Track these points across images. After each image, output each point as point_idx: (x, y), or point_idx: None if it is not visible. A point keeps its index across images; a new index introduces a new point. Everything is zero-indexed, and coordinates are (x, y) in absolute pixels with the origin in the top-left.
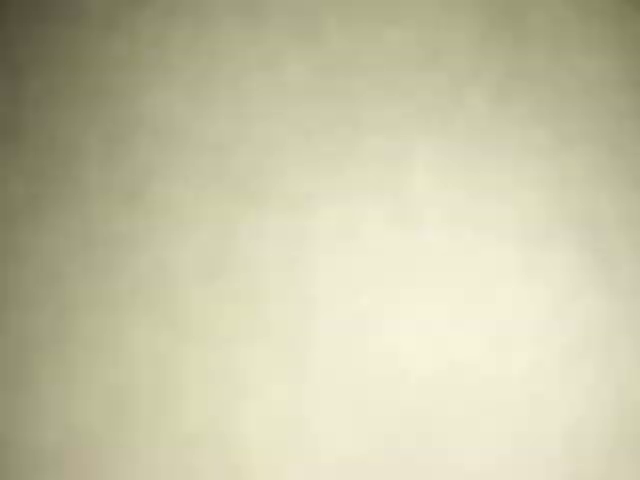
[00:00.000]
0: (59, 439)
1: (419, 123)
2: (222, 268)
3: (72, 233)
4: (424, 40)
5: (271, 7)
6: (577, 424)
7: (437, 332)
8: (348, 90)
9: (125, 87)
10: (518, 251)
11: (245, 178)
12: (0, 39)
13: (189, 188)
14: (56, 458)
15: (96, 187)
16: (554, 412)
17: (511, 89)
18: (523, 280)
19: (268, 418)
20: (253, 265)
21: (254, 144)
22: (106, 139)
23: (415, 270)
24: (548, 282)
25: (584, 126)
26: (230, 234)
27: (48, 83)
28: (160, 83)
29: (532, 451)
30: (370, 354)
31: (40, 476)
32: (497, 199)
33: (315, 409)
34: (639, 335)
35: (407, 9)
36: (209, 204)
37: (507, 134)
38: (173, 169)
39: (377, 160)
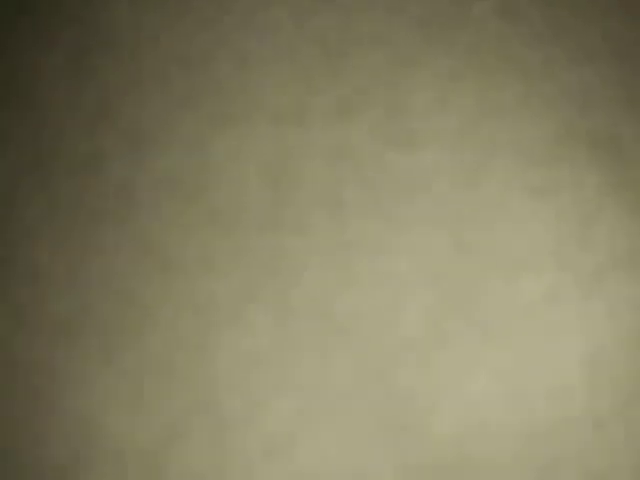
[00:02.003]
0: None
1: (420, 38)
2: (198, 188)
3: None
4: None
5: None
6: (597, 351)
7: (436, 260)
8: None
9: None
10: (529, 171)
11: (223, 95)
12: None
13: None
14: None
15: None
16: (573, 339)
17: (523, 3)
18: (537, 201)
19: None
20: (232, 185)
21: (230, 60)
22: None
23: (413, 193)
24: (566, 203)
25: (604, 43)
26: (207, 154)
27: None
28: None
29: (549, 380)
30: (361, 283)
31: None
32: (506, 118)
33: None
34: None
35: None
36: (183, 124)
37: (517, 51)
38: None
39: (374, 77)
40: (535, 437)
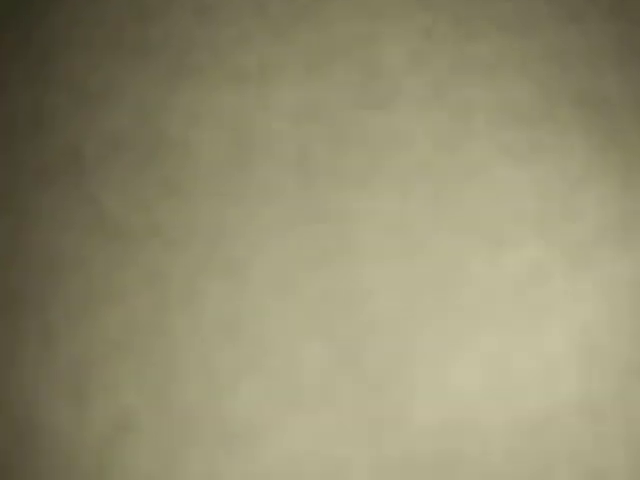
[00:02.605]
0: None
1: None
2: (150, 153)
3: None
4: None
5: None
6: (587, 333)
7: (411, 232)
8: None
9: None
10: (510, 133)
11: (179, 48)
12: None
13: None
14: None
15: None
16: (560, 321)
17: None
18: (519, 166)
19: None
20: (188, 150)
21: (187, 9)
22: None
23: (386, 159)
24: (550, 168)
25: (591, 3)
26: (160, 115)
27: None
28: None
29: (537, 365)
30: (329, 257)
31: None
32: (488, 77)
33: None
34: None
35: None
36: (134, 80)
37: (496, 4)
38: None
39: (344, 31)
40: (524, 429)
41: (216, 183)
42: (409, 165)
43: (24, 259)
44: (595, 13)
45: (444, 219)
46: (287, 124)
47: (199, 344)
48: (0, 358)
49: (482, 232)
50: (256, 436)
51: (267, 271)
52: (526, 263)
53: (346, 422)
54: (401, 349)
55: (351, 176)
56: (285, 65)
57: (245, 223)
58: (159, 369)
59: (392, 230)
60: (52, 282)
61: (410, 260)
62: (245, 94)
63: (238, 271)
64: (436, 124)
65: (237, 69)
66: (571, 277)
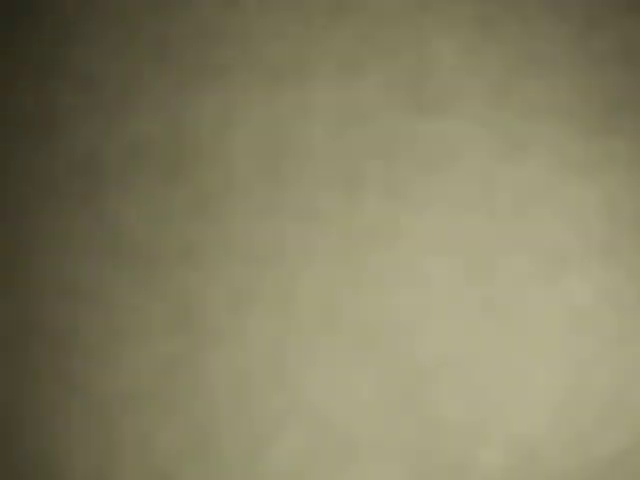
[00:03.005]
0: None
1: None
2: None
3: None
4: None
5: None
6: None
7: (469, 254)
8: None
9: None
10: (577, 143)
11: (205, 45)
12: None
13: None
14: None
15: None
16: (636, 340)
17: None
18: (586, 181)
19: None
20: (219, 159)
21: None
22: None
23: (439, 170)
24: (620, 185)
25: None
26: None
27: None
28: None
29: (610, 397)
30: (380, 282)
31: None
32: (552, 78)
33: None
34: None
35: None
36: (156, 81)
37: None
38: None
39: (387, 25)
40: (594, 475)
41: (252, 197)
42: (465, 177)
43: (37, 288)
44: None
45: (505, 239)
46: (328, 130)
47: (237, 387)
48: (14, 398)
49: (545, 256)
50: None
51: (313, 299)
52: (591, 291)
53: (407, 473)
54: (464, 389)
55: (401, 189)
56: (324, 63)
57: (286, 243)
58: (193, 418)
59: (447, 250)
60: (68, 315)
61: (467, 285)
62: (280, 95)
63: (280, 300)
64: (492, 132)
65: (271, 67)
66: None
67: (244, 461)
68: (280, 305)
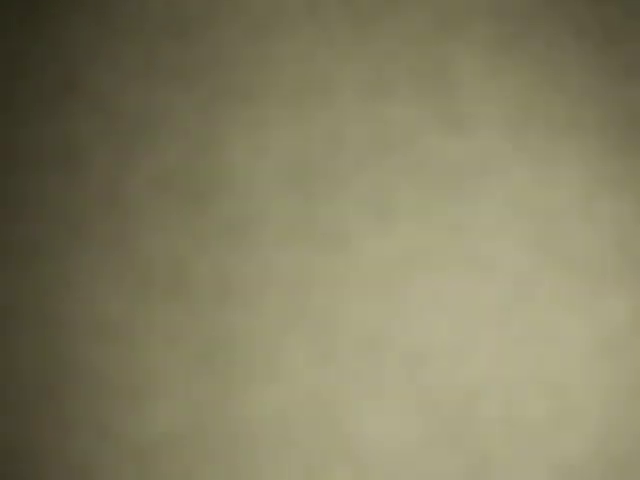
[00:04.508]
0: None
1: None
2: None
3: None
4: None
5: None
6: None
7: (514, 280)
8: None
9: None
10: (617, 161)
11: (227, 69)
12: None
13: None
14: None
15: None
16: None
17: None
18: (626, 197)
19: None
20: (247, 187)
21: (236, 24)
22: None
23: (476, 190)
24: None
25: None
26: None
27: None
28: None
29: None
30: (422, 312)
31: None
32: (581, 93)
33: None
34: None
35: None
36: (179, 108)
37: (579, 9)
38: None
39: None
40: None
41: (288, 225)
42: (496, 200)
43: (68, 331)
44: None
45: (544, 260)
46: (359, 154)
47: (277, 430)
48: (45, 445)
49: (592, 277)
50: None
51: (350, 332)
52: (632, 314)
53: None
54: (503, 416)
55: (436, 214)
56: (350, 84)
57: (325, 272)
58: (232, 466)
59: (481, 274)
60: (101, 358)
61: (508, 308)
62: (307, 120)
63: (317, 332)
64: (522, 150)
65: (295, 90)
66: None
67: None
68: (316, 338)
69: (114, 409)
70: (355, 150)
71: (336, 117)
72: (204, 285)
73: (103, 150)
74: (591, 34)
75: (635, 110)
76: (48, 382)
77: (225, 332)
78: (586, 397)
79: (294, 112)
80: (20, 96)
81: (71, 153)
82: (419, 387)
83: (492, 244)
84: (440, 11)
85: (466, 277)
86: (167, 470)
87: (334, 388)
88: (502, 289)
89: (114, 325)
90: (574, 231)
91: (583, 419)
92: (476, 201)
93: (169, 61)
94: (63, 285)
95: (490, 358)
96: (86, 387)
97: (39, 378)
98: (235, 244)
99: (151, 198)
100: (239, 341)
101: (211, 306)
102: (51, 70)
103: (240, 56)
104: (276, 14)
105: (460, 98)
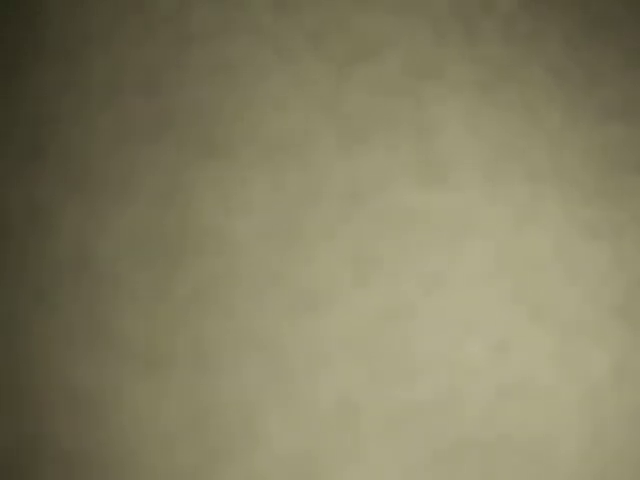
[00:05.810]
0: None
1: (436, 42)
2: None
3: None
4: None
5: None
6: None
7: (497, 331)
8: None
9: None
10: (595, 210)
11: (201, 123)
12: None
13: None
14: None
15: None
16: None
17: None
18: (594, 245)
19: None
20: (225, 248)
21: (210, 74)
22: None
23: (459, 246)
24: (628, 247)
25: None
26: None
27: None
28: None
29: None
30: (418, 370)
31: None
32: (552, 141)
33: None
34: None
35: None
36: (151, 164)
37: (558, 60)
38: None
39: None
40: None
41: (262, 285)
42: (476, 251)
43: (39, 403)
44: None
45: (526, 313)
46: (339, 209)
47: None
48: None
49: (558, 321)
50: None
51: (331, 397)
52: (607, 356)
53: None
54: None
55: (415, 269)
56: (326, 135)
57: (298, 332)
58: None
59: (464, 329)
60: (76, 431)
61: (489, 365)
62: (284, 173)
63: (297, 398)
64: (501, 199)
65: (272, 141)
66: None
67: None
68: (297, 405)
69: None
70: (330, 204)
71: (311, 171)
72: (176, 349)
73: (71, 213)
74: (571, 78)
75: (614, 154)
76: (21, 458)
77: (201, 399)
78: (568, 450)
79: (269, 166)
80: None
81: (38, 217)
82: (399, 450)
83: (472, 297)
84: (415, 58)
85: (446, 332)
86: None
87: (311, 452)
88: (484, 343)
89: (84, 394)
90: (555, 283)
91: (565, 471)
92: (455, 254)
93: (140, 114)
94: (35, 351)
95: (473, 414)
96: (62, 466)
97: (9, 455)
98: (207, 307)
99: (121, 260)
100: (217, 409)
101: (185, 372)
102: (16, 132)
103: (214, 109)
104: (247, 60)
105: (438, 147)
